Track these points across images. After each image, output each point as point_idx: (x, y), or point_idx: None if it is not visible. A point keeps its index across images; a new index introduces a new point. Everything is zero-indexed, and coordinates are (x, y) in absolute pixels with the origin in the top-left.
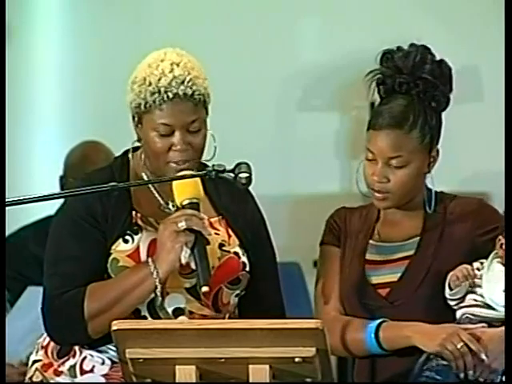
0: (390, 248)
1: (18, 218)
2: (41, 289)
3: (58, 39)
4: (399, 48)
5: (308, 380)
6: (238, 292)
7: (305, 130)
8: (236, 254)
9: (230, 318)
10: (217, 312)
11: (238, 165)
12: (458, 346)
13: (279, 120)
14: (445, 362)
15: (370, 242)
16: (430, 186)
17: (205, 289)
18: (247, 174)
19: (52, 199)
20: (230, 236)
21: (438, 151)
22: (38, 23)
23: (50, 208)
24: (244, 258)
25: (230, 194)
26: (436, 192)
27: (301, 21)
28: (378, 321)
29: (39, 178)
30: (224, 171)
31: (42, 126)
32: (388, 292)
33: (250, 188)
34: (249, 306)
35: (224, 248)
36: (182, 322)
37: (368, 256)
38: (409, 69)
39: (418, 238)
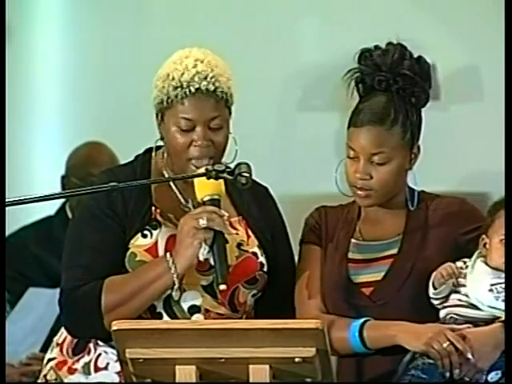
0: (373, 247)
1: (18, 218)
2: (41, 290)
3: (58, 39)
4: (377, 46)
5: (308, 380)
6: (254, 292)
7: (305, 130)
8: (254, 254)
9: (246, 318)
10: (233, 311)
11: (238, 165)
12: (445, 345)
13: (279, 120)
14: (431, 361)
15: (352, 240)
16: (410, 184)
17: (222, 287)
18: (247, 174)
19: (52, 199)
20: (249, 236)
21: (418, 148)
22: (37, 23)
23: (50, 208)
24: (262, 259)
25: (251, 196)
26: (418, 191)
27: (301, 21)
28: (362, 320)
29: (40, 178)
30: (224, 171)
31: (43, 126)
32: (371, 291)
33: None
34: (265, 307)
35: (242, 247)
36: (183, 322)
37: (351, 255)
38: (388, 65)
39: (401, 236)
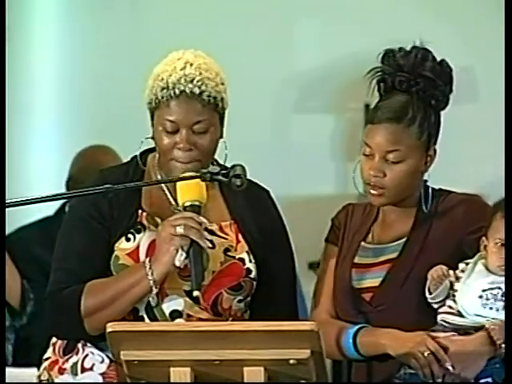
0: (377, 250)
1: (16, 219)
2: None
3: (56, 40)
4: (401, 48)
5: (302, 381)
6: (240, 298)
7: (300, 132)
8: (241, 259)
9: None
10: (216, 316)
11: (233, 167)
12: (425, 355)
13: (275, 122)
14: (412, 371)
15: (362, 244)
16: (428, 184)
17: (196, 293)
18: (242, 176)
19: (50, 200)
20: (238, 241)
21: (435, 150)
22: (35, 24)
23: (47, 210)
24: (250, 265)
25: (247, 199)
26: (433, 190)
27: (297, 23)
28: (358, 326)
29: (38, 179)
30: (219, 173)
31: (41, 128)
32: (371, 297)
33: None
34: (260, 312)
35: (229, 253)
36: (178, 324)
37: (358, 259)
38: (409, 66)
39: (405, 239)
